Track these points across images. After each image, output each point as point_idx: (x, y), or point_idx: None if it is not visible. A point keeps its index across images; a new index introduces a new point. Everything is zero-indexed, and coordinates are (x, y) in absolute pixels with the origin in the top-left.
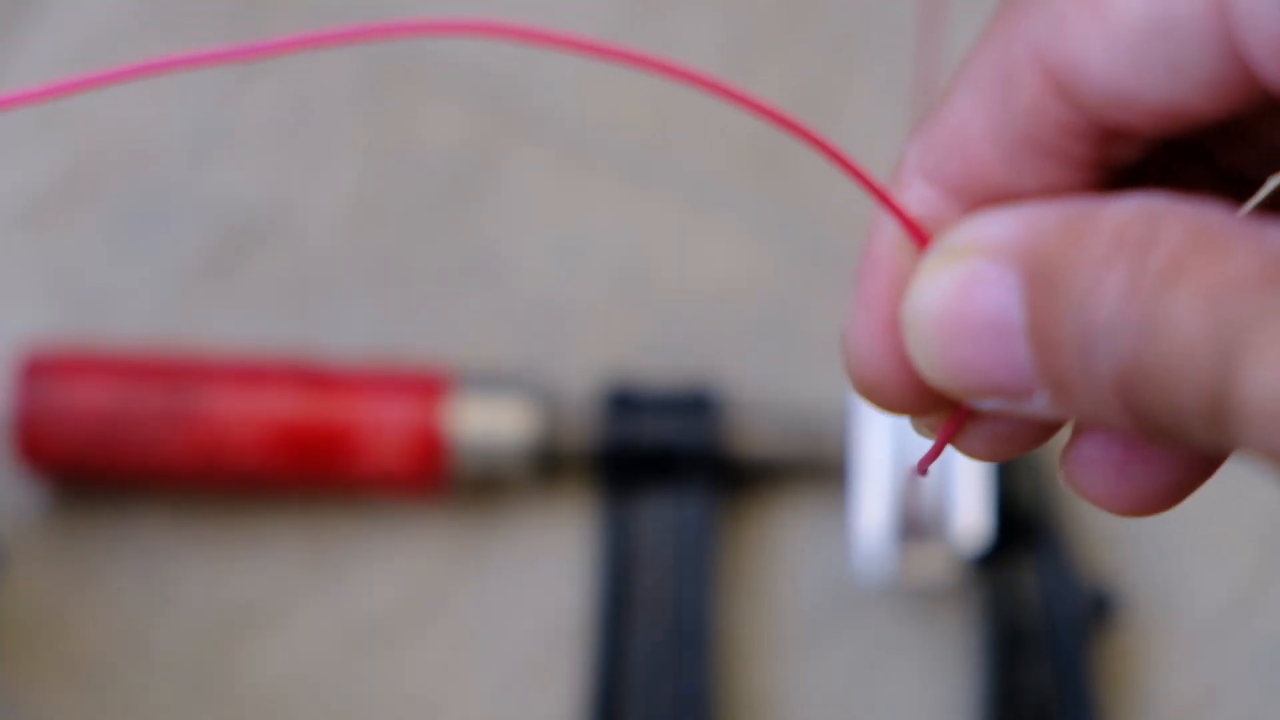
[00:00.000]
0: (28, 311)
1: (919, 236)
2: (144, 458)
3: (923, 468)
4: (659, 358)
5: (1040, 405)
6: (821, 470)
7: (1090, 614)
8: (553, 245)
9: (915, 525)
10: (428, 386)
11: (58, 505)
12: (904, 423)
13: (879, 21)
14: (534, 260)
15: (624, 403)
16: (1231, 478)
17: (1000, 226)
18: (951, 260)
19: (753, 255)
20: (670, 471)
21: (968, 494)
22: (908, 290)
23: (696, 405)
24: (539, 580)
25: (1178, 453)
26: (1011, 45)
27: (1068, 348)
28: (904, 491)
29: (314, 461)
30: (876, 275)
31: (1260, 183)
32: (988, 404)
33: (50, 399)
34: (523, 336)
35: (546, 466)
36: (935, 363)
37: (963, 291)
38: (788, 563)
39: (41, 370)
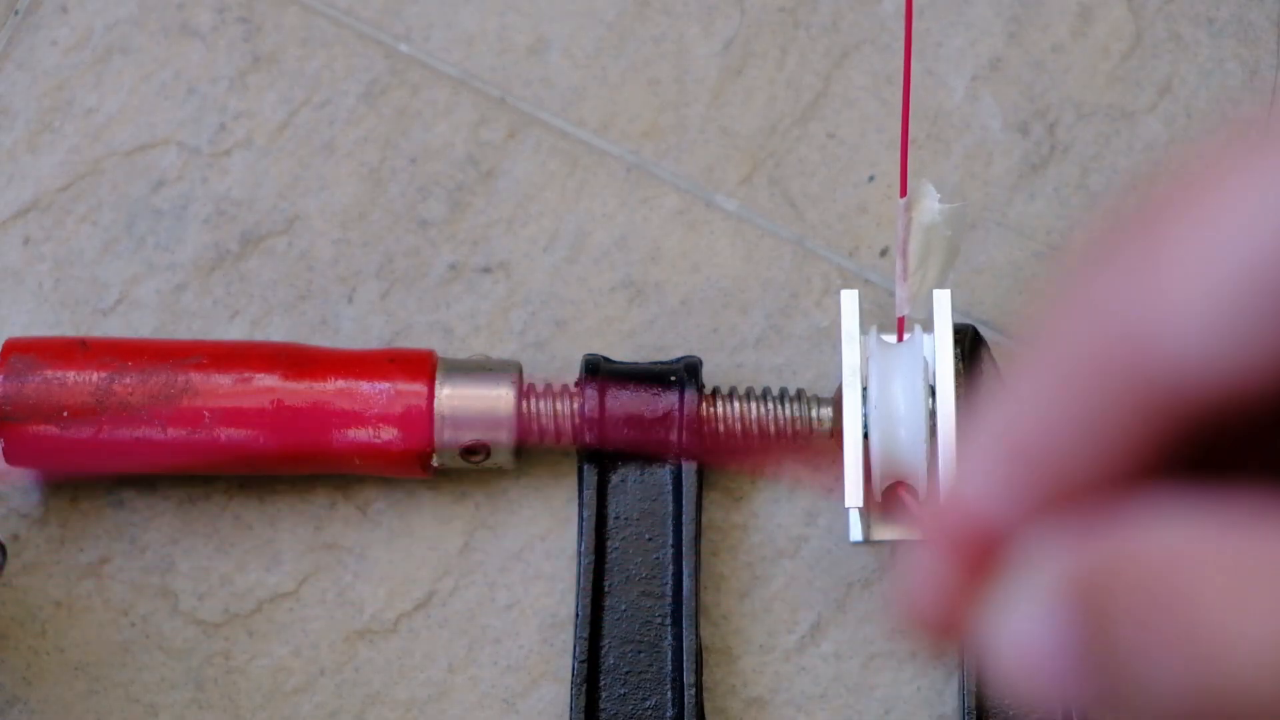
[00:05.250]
0: (26, 312)
1: (981, 544)
2: (130, 443)
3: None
4: (657, 357)
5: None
6: (805, 433)
7: None
8: (552, 245)
9: (897, 480)
10: (412, 365)
11: (57, 503)
12: (884, 382)
13: (878, 20)
14: (533, 260)
15: (604, 374)
16: None
17: (1057, 561)
18: (1016, 592)
19: (752, 256)
20: (651, 441)
21: (948, 450)
22: (976, 604)
23: (677, 375)
24: (532, 560)
25: None
26: (1090, 327)
27: (1127, 687)
28: (885, 448)
29: (301, 438)
30: (939, 557)
31: None
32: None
33: (31, 386)
34: (522, 337)
35: (529, 438)
36: (999, 664)
37: (1024, 627)
38: (773, 526)
39: (20, 357)
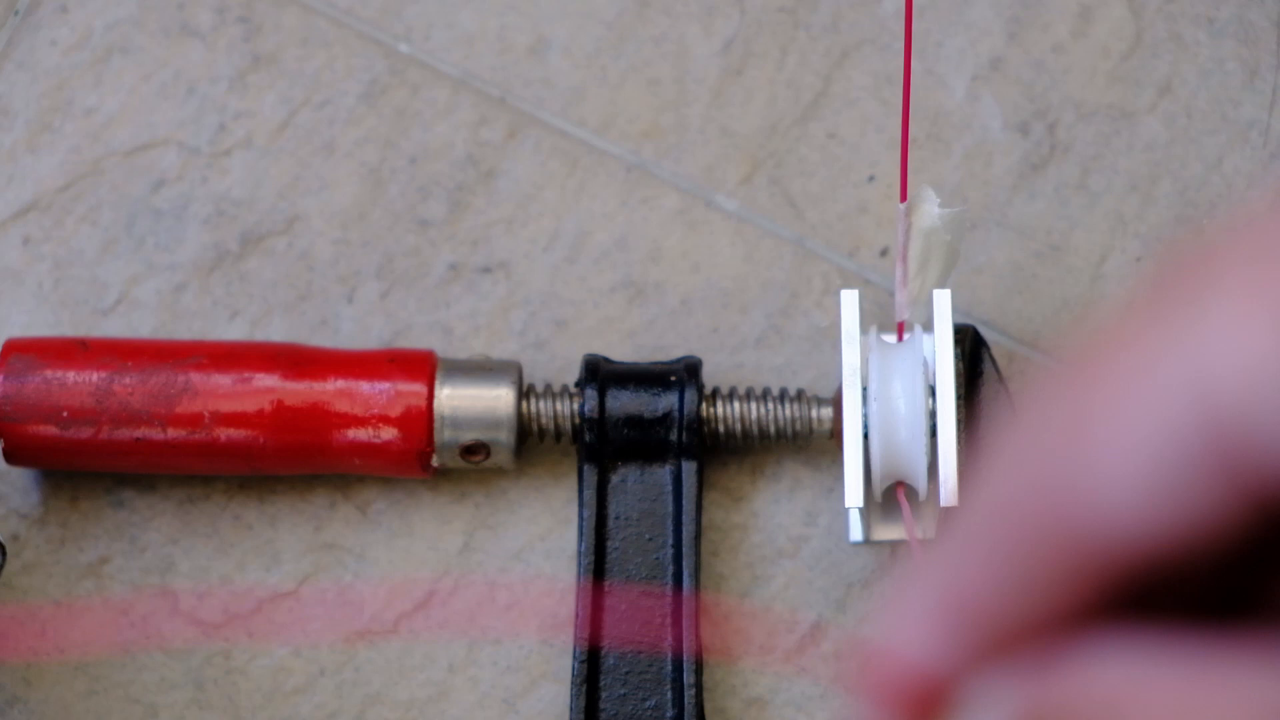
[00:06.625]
0: (26, 312)
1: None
2: (130, 443)
3: None
4: (657, 357)
5: None
6: (805, 434)
7: None
8: (552, 245)
9: (898, 482)
10: (412, 365)
11: (57, 503)
12: (884, 382)
13: (878, 20)
14: (533, 260)
15: (604, 374)
16: None
17: (1003, 705)
18: None
19: (752, 256)
20: (651, 441)
21: (948, 450)
22: None
23: (677, 375)
24: (532, 560)
25: None
26: (1018, 494)
27: None
28: (885, 448)
29: (301, 438)
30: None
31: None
32: None
33: (31, 386)
34: (522, 337)
35: (529, 438)
36: None
37: None
38: (773, 526)
39: (20, 357)
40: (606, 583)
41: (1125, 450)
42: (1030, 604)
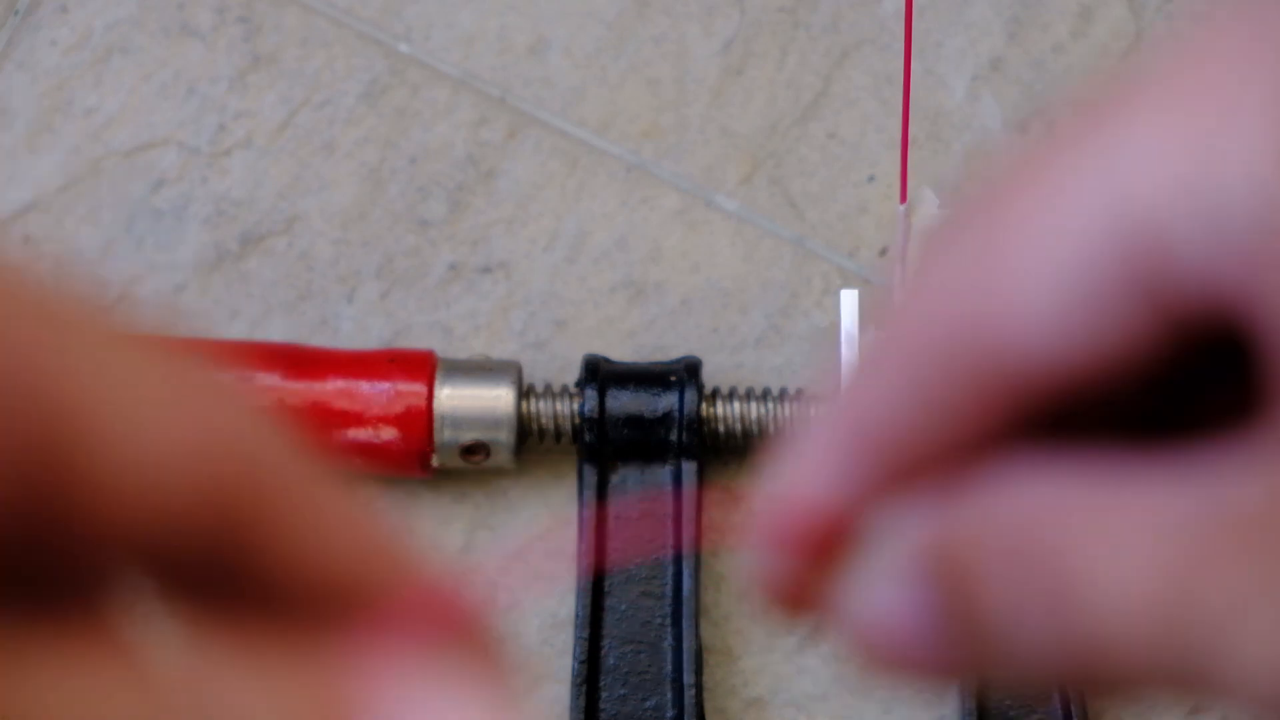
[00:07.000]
0: None
1: (827, 524)
2: None
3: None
4: (657, 357)
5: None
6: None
7: None
8: (552, 245)
9: None
10: (412, 365)
11: None
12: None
13: (878, 20)
14: (533, 260)
15: (604, 374)
16: None
17: (911, 533)
18: (871, 569)
19: (752, 256)
20: (651, 442)
21: None
22: (829, 583)
23: (677, 375)
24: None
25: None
26: (927, 318)
27: (997, 648)
28: None
29: (301, 438)
30: (783, 541)
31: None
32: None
33: None
34: (522, 337)
35: (529, 438)
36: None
37: (883, 601)
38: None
39: None
40: (606, 583)
41: (1039, 270)
42: (935, 430)
